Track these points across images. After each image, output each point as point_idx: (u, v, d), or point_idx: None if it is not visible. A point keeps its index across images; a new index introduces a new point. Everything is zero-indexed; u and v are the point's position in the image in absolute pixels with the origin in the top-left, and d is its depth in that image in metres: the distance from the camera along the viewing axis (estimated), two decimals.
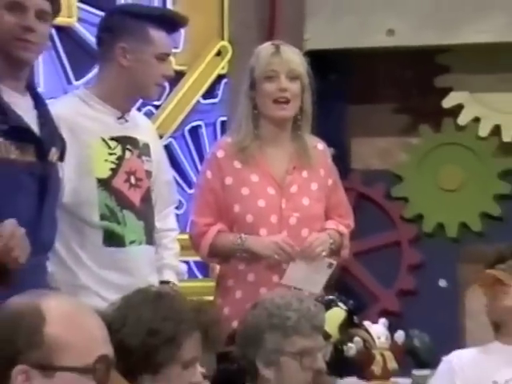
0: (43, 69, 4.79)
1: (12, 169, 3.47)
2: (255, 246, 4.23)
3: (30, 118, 3.59)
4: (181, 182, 5.34)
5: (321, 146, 4.47)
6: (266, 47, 4.38)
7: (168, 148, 5.28)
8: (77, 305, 2.32)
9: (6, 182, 3.42)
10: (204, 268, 5.37)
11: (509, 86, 5.95)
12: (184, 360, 2.94)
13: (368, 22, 5.87)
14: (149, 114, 5.25)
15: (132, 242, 4.03)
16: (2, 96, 3.51)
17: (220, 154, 4.39)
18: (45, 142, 3.57)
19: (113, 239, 3.99)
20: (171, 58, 4.48)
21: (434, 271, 6.14)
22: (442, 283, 5.99)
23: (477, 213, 6.07)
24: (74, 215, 3.92)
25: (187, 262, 5.26)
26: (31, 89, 3.71)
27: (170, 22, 4.30)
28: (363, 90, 6.24)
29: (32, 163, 3.53)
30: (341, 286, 5.87)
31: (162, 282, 4.19)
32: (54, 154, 3.61)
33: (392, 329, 5.01)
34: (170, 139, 5.41)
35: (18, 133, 3.50)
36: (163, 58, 4.16)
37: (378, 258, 6.30)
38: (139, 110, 5.13)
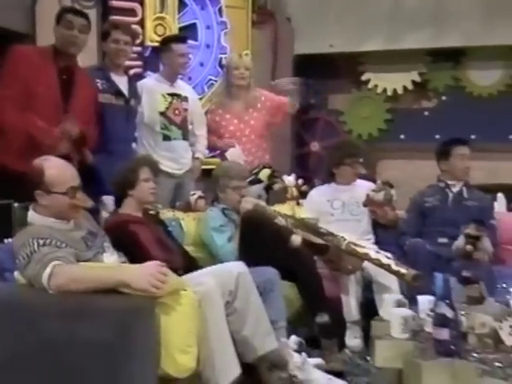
0: None
1: (113, 108, 3.53)
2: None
3: (124, 86, 3.62)
4: None
5: (258, 93, 4.26)
6: (235, 55, 4.27)
7: None
8: (60, 162, 2.29)
9: (110, 114, 3.48)
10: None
11: (391, 69, 5.69)
12: (142, 178, 2.95)
13: (320, 40, 5.65)
14: None
15: (175, 139, 3.96)
16: (112, 77, 3.57)
17: (214, 107, 4.36)
18: (129, 96, 3.61)
19: (166, 138, 3.93)
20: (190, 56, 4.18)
21: None
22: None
23: (376, 128, 5.86)
24: (149, 127, 3.90)
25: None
26: (126, 73, 3.74)
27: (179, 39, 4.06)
28: (325, 72, 5.83)
29: (122, 106, 3.59)
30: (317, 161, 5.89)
31: (194, 158, 4.10)
32: (133, 102, 3.66)
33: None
34: None
35: (117, 92, 3.56)
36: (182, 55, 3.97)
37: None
38: None
